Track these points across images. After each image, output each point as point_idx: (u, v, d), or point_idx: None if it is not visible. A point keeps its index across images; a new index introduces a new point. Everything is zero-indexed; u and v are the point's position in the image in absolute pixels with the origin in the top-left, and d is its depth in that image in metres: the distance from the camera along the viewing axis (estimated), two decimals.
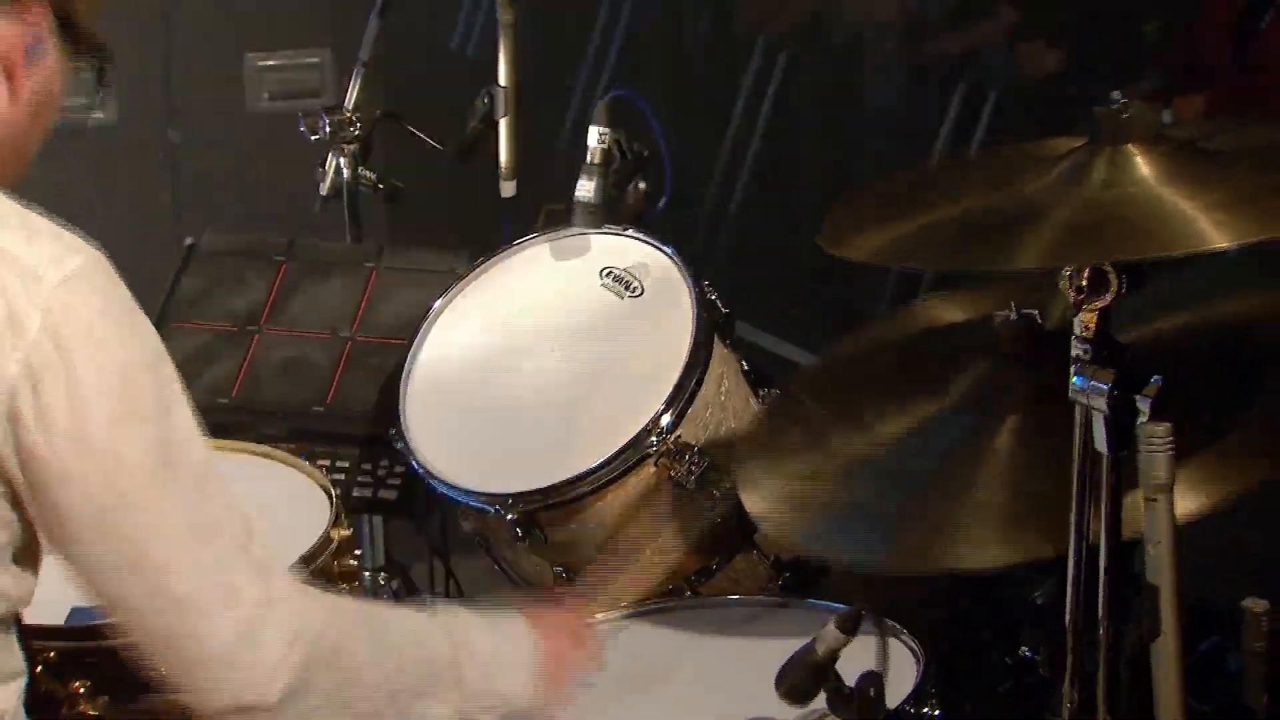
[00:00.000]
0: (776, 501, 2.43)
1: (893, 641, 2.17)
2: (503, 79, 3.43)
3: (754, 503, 2.44)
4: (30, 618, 1.99)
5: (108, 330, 1.82)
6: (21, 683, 1.98)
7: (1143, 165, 2.05)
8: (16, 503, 1.84)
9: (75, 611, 2.46)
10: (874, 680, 2.10)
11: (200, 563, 1.87)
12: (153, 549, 1.86)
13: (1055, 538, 2.11)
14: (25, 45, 1.90)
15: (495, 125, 3.43)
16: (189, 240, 3.55)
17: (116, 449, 1.82)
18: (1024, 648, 2.36)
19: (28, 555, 1.90)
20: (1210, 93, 5.23)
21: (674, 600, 2.72)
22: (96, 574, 1.88)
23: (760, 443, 2.60)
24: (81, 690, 2.38)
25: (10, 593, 1.89)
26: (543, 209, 3.21)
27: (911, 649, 2.29)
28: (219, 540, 1.89)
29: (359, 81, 3.66)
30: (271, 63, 5.35)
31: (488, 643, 2.13)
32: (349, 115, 3.59)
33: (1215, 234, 1.94)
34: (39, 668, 2.38)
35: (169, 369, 1.87)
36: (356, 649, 1.98)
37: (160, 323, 3.21)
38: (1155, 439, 1.99)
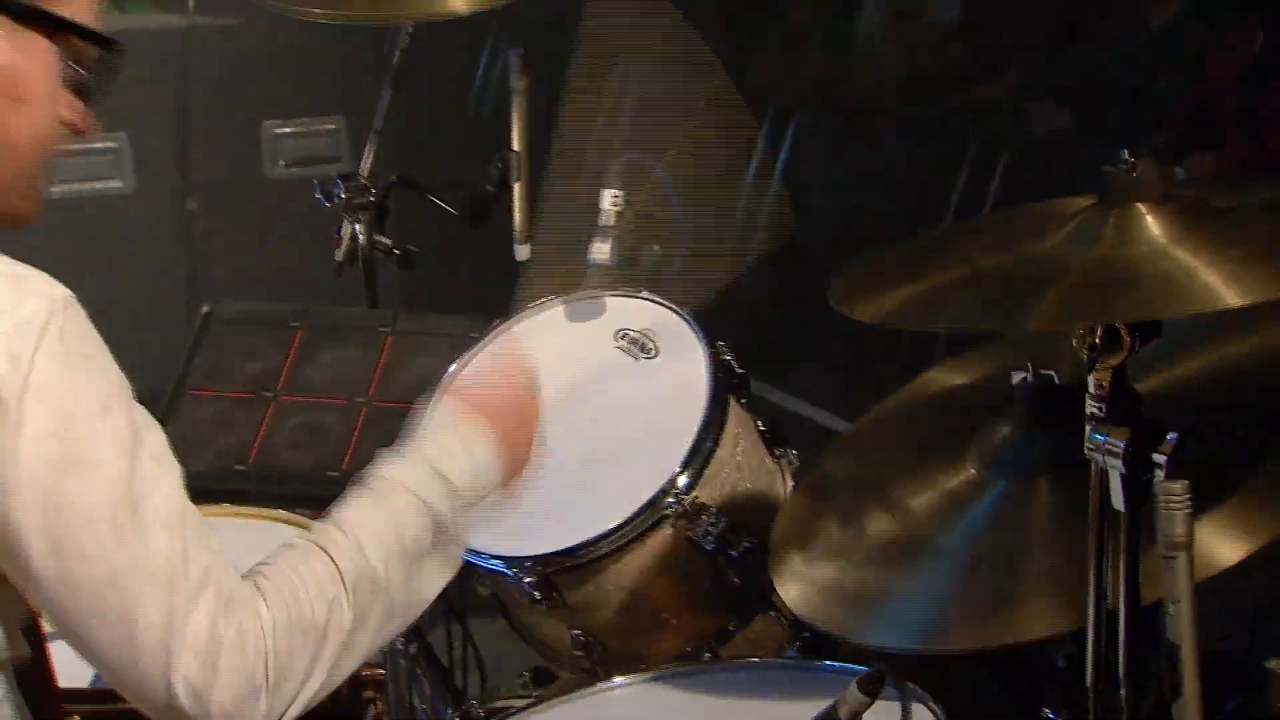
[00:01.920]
0: (814, 591, 2.41)
1: (915, 706, 2.15)
2: (516, 144, 3.44)
3: (792, 594, 2.42)
4: (58, 680, 2.01)
5: (58, 376, 1.78)
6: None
7: (1152, 224, 2.04)
8: None
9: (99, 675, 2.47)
10: None
11: (159, 609, 1.82)
12: (107, 599, 1.82)
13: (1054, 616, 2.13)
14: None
15: (509, 189, 3.44)
16: (206, 308, 3.56)
17: (65, 497, 1.78)
18: (1045, 710, 2.34)
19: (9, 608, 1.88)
20: (1220, 151, 5.24)
21: (693, 663, 2.71)
22: (66, 627, 1.85)
23: (795, 531, 2.55)
24: None
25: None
26: None
27: (933, 712, 2.27)
28: (173, 582, 1.83)
29: (374, 149, 3.67)
30: (288, 130, 5.38)
31: (445, 455, 2.11)
32: (364, 182, 3.60)
33: (1227, 292, 1.93)
34: None
35: (128, 413, 1.83)
36: (311, 615, 1.92)
37: (177, 389, 3.22)
38: (1173, 496, 1.98)
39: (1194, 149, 5.19)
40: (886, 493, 2.41)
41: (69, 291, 1.81)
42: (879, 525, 2.38)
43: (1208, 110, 5.51)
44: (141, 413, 1.86)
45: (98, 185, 5.02)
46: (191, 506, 1.88)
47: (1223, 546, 2.12)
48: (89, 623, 1.84)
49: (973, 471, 2.34)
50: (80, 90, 1.99)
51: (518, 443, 2.20)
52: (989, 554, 2.27)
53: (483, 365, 2.24)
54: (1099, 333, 2.00)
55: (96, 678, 2.48)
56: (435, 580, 2.07)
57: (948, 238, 2.26)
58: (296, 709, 1.92)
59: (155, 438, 1.87)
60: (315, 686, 1.93)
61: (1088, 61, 6.04)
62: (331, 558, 1.96)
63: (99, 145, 4.90)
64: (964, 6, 6.65)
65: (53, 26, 1.92)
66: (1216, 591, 2.05)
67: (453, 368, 3.00)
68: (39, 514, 1.79)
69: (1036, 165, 5.92)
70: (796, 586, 2.42)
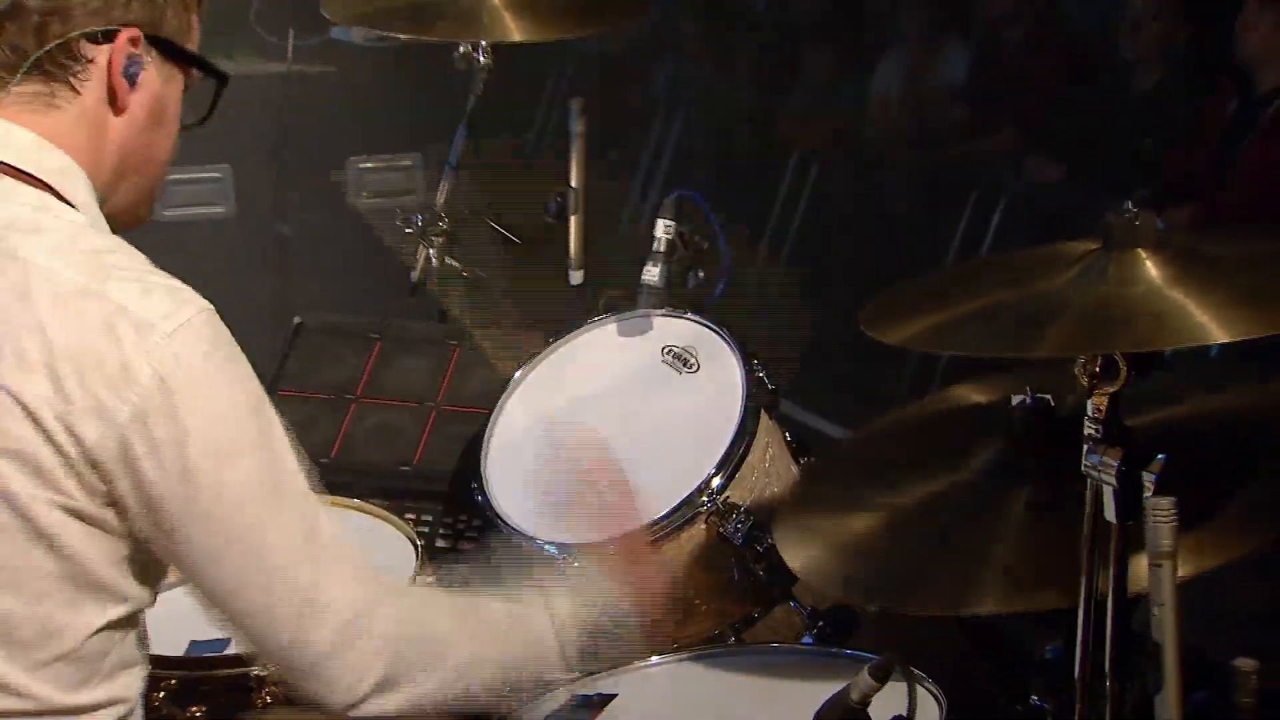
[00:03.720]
0: (810, 550, 2.37)
1: (919, 689, 2.12)
2: (574, 181, 3.44)
3: (791, 552, 2.39)
4: (153, 649, 1.99)
5: (211, 377, 1.81)
6: (141, 672, 1.96)
7: (1150, 267, 2.02)
8: (135, 526, 1.83)
9: (194, 645, 2.45)
10: None
11: (301, 579, 1.87)
12: (257, 571, 1.86)
13: (1054, 593, 2.08)
14: (120, 67, 1.90)
15: (567, 221, 3.43)
16: (297, 319, 3.57)
17: (222, 481, 1.82)
18: (1034, 698, 2.31)
19: (146, 567, 1.89)
20: (1197, 203, 5.21)
21: (720, 646, 2.67)
22: (213, 593, 1.89)
23: (798, 501, 2.55)
24: (198, 715, 2.37)
25: (133, 595, 1.88)
26: (602, 294, 3.20)
27: (935, 696, 2.24)
28: (319, 558, 1.89)
29: (448, 183, 3.67)
30: (370, 165, 5.40)
31: (572, 599, 2.14)
32: (439, 212, 3.60)
33: (1216, 330, 1.91)
34: (161, 693, 2.38)
35: (270, 411, 1.87)
36: (457, 642, 2.00)
37: (269, 390, 3.18)
38: (1160, 510, 1.95)
39: (1173, 201, 5.17)
40: (889, 479, 2.37)
41: (207, 305, 1.83)
42: (875, 503, 2.35)
43: (1186, 167, 5.48)
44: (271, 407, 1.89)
45: (203, 210, 5.07)
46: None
47: (1202, 557, 2.09)
48: (233, 592, 1.87)
49: (965, 476, 2.31)
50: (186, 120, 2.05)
51: (642, 596, 2.24)
52: (962, 542, 2.24)
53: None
54: (1098, 363, 1.98)
55: (189, 648, 2.47)
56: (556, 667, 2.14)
57: (967, 273, 2.24)
58: (400, 701, 1.96)
59: (281, 429, 1.90)
60: (417, 693, 1.97)
61: (1079, 121, 6.03)
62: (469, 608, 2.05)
63: (206, 175, 4.95)
64: (968, 71, 6.64)
65: (187, 61, 1.96)
66: (1195, 596, 2.02)
67: (516, 374, 2.99)
68: (202, 492, 1.81)
69: (1031, 211, 5.92)
70: (798, 550, 2.39)
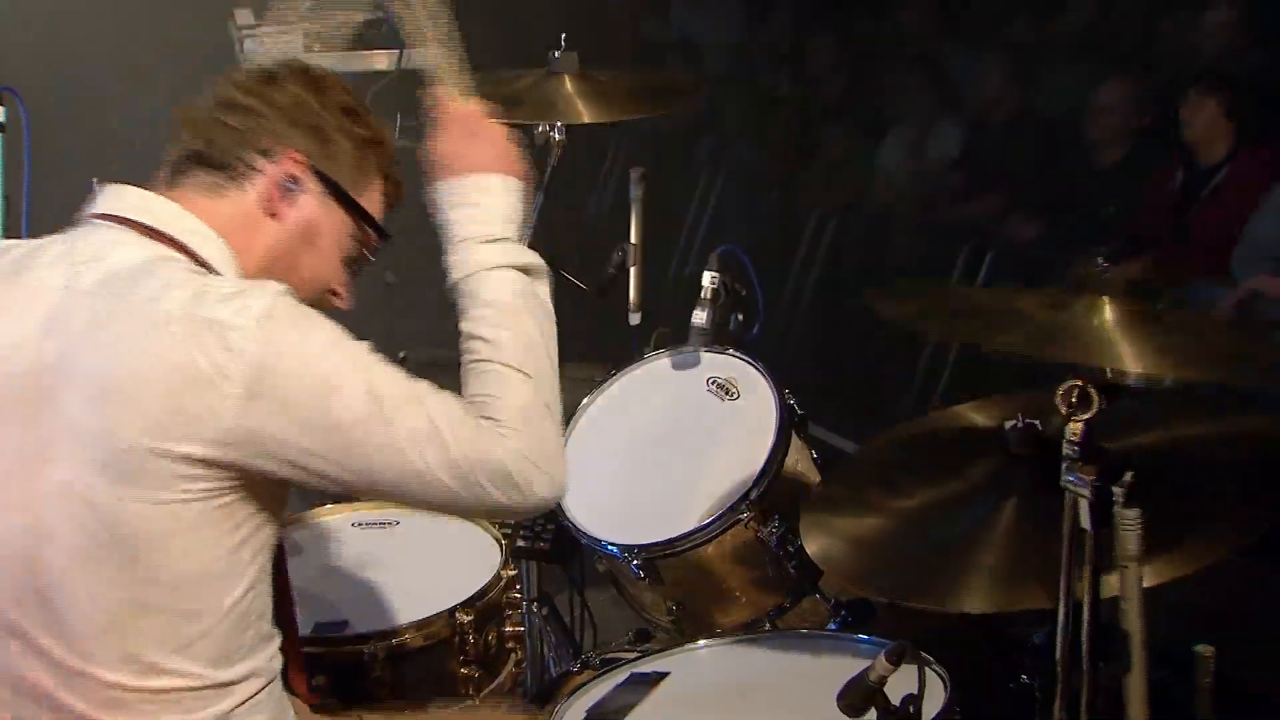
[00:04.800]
0: (830, 545, 2.36)
1: (928, 671, 2.09)
2: (633, 237, 3.42)
3: (814, 546, 2.37)
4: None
5: (294, 343, 1.77)
6: (274, 647, 1.95)
7: (1109, 315, 2.03)
8: (251, 511, 1.82)
9: (318, 626, 2.46)
10: (914, 701, 2.03)
11: (439, 454, 1.81)
12: (407, 465, 1.80)
13: (1039, 590, 2.05)
14: (279, 180, 1.93)
15: (627, 271, 3.42)
16: (402, 353, 3.55)
17: (335, 417, 1.77)
18: (1024, 677, 2.28)
19: (256, 550, 1.86)
20: (1149, 258, 5.17)
21: (757, 631, 2.67)
22: (388, 495, 1.86)
23: (820, 504, 2.51)
24: (321, 683, 2.37)
25: (249, 575, 1.85)
26: (655, 331, 3.19)
27: (941, 677, 2.22)
28: (436, 426, 1.81)
29: (527, 239, 3.65)
30: None
31: (484, 217, 2.06)
32: None
33: (1168, 370, 1.94)
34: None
35: (348, 342, 1.81)
36: (532, 387, 1.95)
37: None
38: (1128, 520, 1.95)
39: (1130, 257, 5.12)
40: (897, 487, 2.37)
41: (284, 286, 1.81)
42: (885, 507, 2.34)
43: (1142, 228, 5.45)
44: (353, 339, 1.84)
45: None
46: (420, 382, 1.85)
47: (1170, 561, 2.06)
48: (412, 492, 1.83)
49: (963, 487, 2.29)
50: (352, 266, 2.05)
51: (501, 158, 2.10)
52: (956, 543, 2.22)
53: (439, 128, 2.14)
54: (1075, 393, 1.96)
55: (314, 628, 2.48)
56: (545, 290, 2.07)
57: (968, 291, 2.24)
58: (561, 457, 1.94)
59: (366, 349, 1.84)
60: (559, 434, 1.95)
61: (1052, 189, 5.99)
62: (501, 364, 1.93)
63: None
64: (960, 146, 6.61)
65: (349, 206, 1.99)
66: (1160, 591, 2.00)
67: (585, 401, 2.98)
68: (329, 436, 1.77)
69: (1011, 263, 5.87)
70: (818, 543, 2.36)
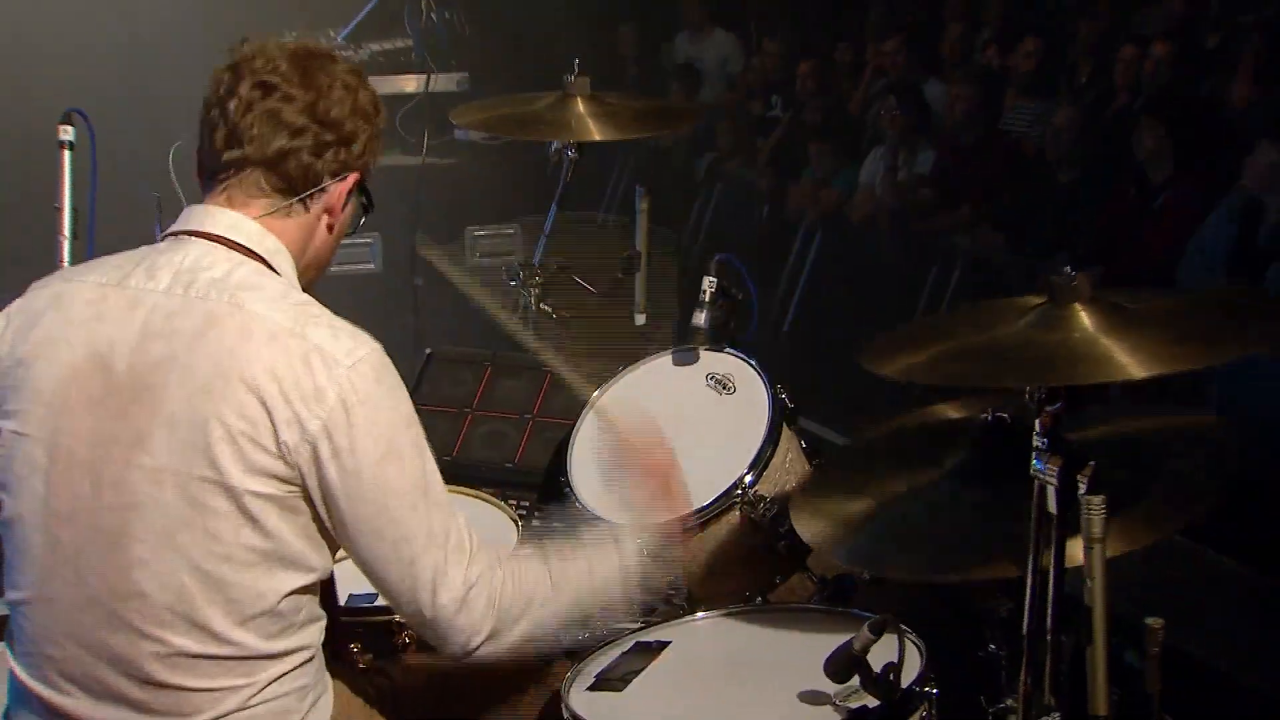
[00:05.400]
0: (819, 527, 2.35)
1: (906, 642, 2.08)
2: (639, 245, 3.42)
3: (804, 527, 2.36)
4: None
5: (379, 399, 1.83)
6: (321, 625, 1.97)
7: (1084, 319, 1.99)
8: (318, 514, 1.85)
9: (351, 597, 2.45)
10: (893, 669, 2.04)
11: (435, 559, 1.88)
12: (404, 548, 1.87)
13: (1008, 564, 2.04)
14: (343, 200, 1.98)
15: (633, 276, 3.41)
16: (428, 351, 3.56)
17: (385, 480, 1.83)
18: (993, 646, 2.27)
19: (326, 545, 1.91)
20: (1105, 266, 5.16)
21: (750, 605, 2.63)
22: (367, 563, 1.89)
23: (811, 490, 2.51)
24: (355, 649, 2.36)
25: (317, 566, 1.90)
26: (659, 332, 3.19)
27: (918, 647, 2.20)
28: (446, 542, 1.89)
29: (543, 247, 3.65)
30: (482, 233, 5.39)
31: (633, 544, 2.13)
32: (535, 268, 3.58)
33: (1134, 368, 1.88)
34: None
35: (419, 426, 1.90)
36: (546, 599, 1.99)
37: None
38: (1093, 505, 1.93)
39: (1086, 265, 5.10)
40: (881, 474, 2.35)
41: (379, 345, 1.87)
42: (871, 497, 2.33)
43: (1097, 239, 5.44)
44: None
45: (358, 268, 5.09)
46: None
47: (1124, 540, 2.04)
48: (385, 564, 1.88)
49: (940, 474, 2.28)
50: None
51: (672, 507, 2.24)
52: (932, 524, 2.22)
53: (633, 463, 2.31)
54: (1043, 391, 1.95)
55: (348, 599, 2.46)
56: (619, 607, 2.12)
57: (942, 321, 2.20)
58: (505, 645, 1.96)
59: (425, 440, 1.91)
60: (517, 636, 1.97)
61: (1018, 203, 5.98)
62: (549, 569, 2.02)
63: (359, 241, 4.97)
64: (933, 165, 6.60)
65: (368, 198, 2.04)
66: (1116, 569, 1.98)
67: (594, 394, 2.97)
68: (369, 487, 1.83)
69: (981, 272, 5.87)
70: (810, 526, 2.36)
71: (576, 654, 2.31)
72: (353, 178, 1.97)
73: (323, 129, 1.93)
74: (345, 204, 1.98)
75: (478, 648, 1.93)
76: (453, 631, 1.91)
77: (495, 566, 1.95)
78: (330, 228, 1.98)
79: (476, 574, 1.91)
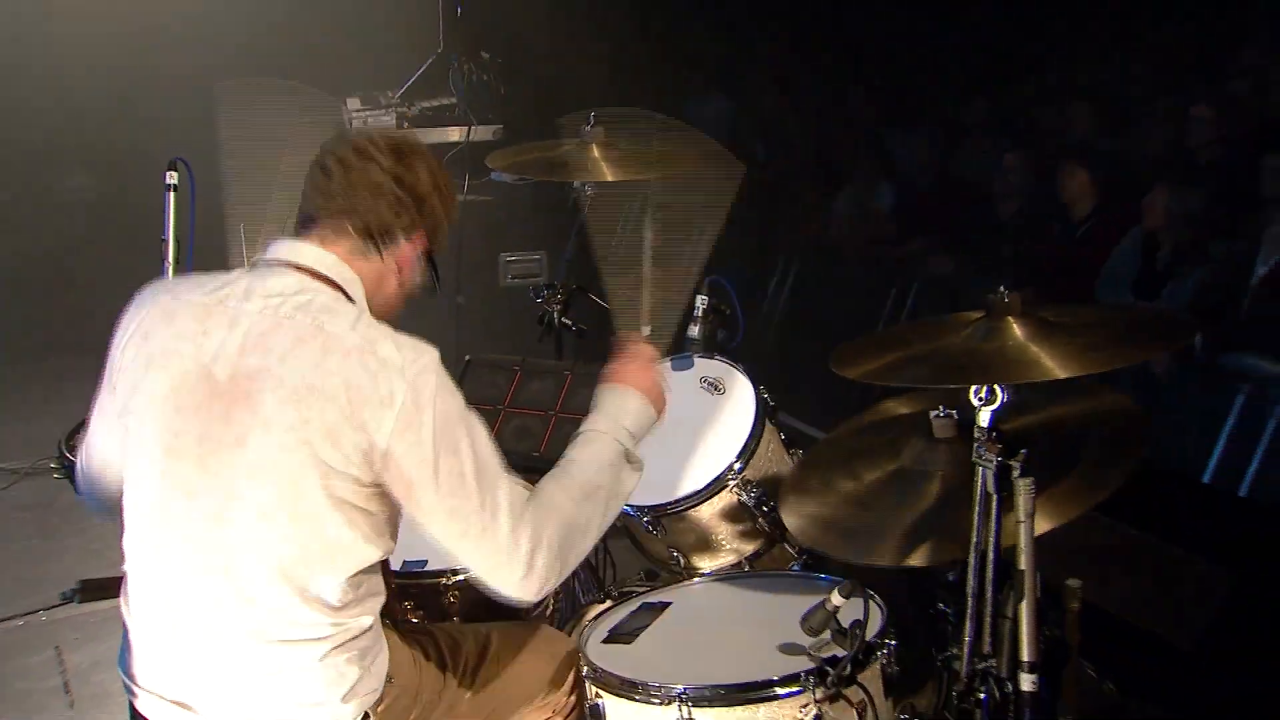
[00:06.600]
0: (805, 521, 2.34)
1: (870, 603, 2.09)
2: (645, 270, 3.42)
3: (793, 522, 2.35)
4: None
5: (440, 398, 1.85)
6: (383, 599, 1.98)
7: (1017, 330, 2.01)
8: (393, 503, 1.87)
9: (405, 563, 2.45)
10: (859, 625, 2.05)
11: (491, 523, 1.87)
12: (466, 519, 1.87)
13: (955, 546, 2.05)
14: (413, 256, 1.99)
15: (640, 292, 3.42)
16: (467, 358, 3.56)
17: (447, 466, 1.84)
18: (941, 605, 2.28)
19: (392, 531, 1.92)
20: (1037, 287, 5.15)
21: (739, 571, 2.66)
22: (437, 534, 1.89)
23: (791, 478, 2.50)
24: (409, 607, 2.36)
25: (385, 549, 1.92)
26: (660, 341, 3.18)
27: (880, 606, 2.22)
28: (500, 510, 1.88)
29: (565, 269, 3.66)
30: (513, 258, 5.38)
31: (618, 412, 2.11)
32: (558, 288, 3.59)
33: (1058, 370, 1.90)
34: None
35: (472, 418, 1.90)
36: (573, 514, 1.97)
37: None
38: (1024, 487, 1.94)
39: (1021, 287, 5.09)
40: (850, 468, 2.35)
41: (437, 352, 1.88)
42: (843, 486, 2.33)
43: (1031, 264, 5.44)
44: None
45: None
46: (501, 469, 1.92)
47: (1050, 516, 2.05)
48: (460, 538, 1.88)
49: (900, 464, 2.29)
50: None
51: (654, 394, 2.19)
52: (900, 510, 2.21)
53: (621, 357, 2.23)
54: (984, 390, 1.97)
55: (403, 565, 2.47)
56: (630, 481, 2.10)
57: (899, 332, 2.21)
58: (572, 564, 1.96)
59: (482, 428, 1.92)
60: (583, 549, 1.98)
61: (964, 233, 5.98)
62: (572, 483, 2.01)
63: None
64: (894, 201, 6.60)
65: (433, 265, 2.05)
66: (1043, 539, 1.99)
67: None
68: (431, 472, 1.84)
69: (933, 292, 5.86)
70: (794, 518, 2.35)
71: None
72: (420, 239, 1.99)
73: (402, 191, 1.96)
74: (415, 266, 2.00)
75: (545, 594, 1.92)
76: (527, 591, 1.90)
77: (541, 516, 1.94)
78: (401, 284, 2.00)
79: (532, 535, 1.90)
